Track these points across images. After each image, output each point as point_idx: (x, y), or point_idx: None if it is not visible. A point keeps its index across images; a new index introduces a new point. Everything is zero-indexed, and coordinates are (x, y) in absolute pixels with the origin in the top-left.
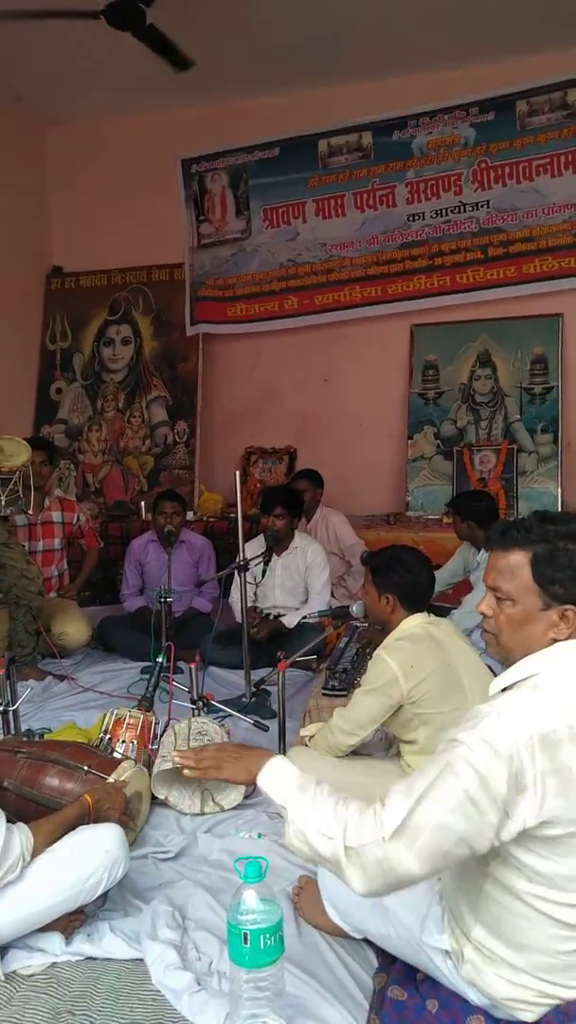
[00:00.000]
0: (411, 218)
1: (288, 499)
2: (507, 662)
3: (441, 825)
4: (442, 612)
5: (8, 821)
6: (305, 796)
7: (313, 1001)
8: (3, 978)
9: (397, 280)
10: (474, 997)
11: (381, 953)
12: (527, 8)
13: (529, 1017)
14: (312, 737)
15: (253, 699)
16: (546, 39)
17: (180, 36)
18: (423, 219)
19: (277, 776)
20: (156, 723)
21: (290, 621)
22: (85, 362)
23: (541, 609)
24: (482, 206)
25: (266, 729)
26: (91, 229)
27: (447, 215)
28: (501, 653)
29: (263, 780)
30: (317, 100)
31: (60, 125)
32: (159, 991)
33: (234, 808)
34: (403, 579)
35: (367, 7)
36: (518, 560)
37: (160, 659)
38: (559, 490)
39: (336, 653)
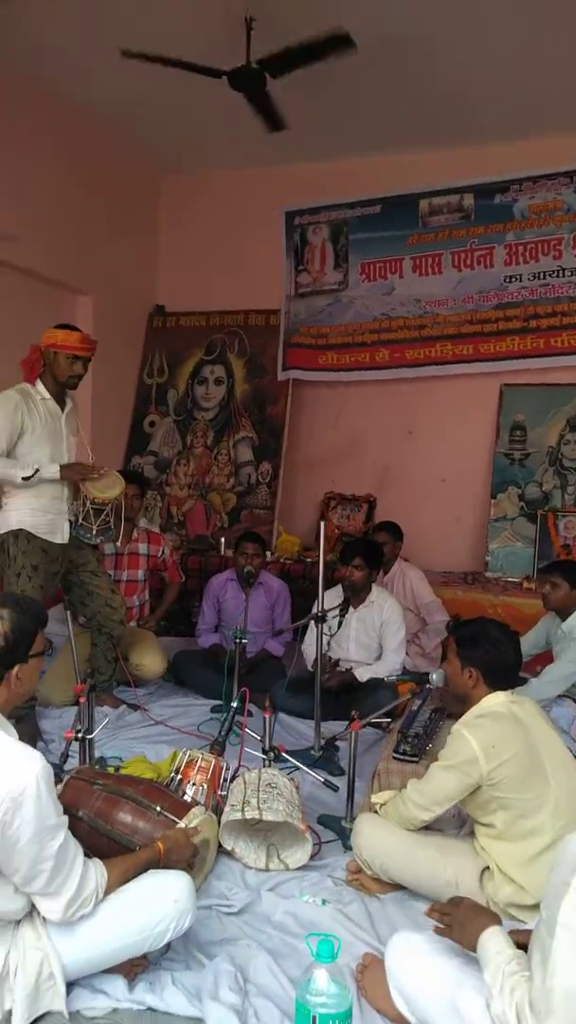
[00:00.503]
0: (508, 279)
1: (368, 551)
2: None
3: None
4: (519, 681)
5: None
6: (499, 973)
7: None
8: (68, 1017)
9: (490, 340)
10: None
11: None
12: None
13: None
14: (383, 805)
15: (322, 753)
16: None
17: (290, 97)
18: (520, 281)
19: (487, 949)
20: (226, 768)
21: (361, 675)
22: (179, 398)
23: None
24: None
25: (336, 789)
26: (194, 272)
27: (545, 278)
28: None
29: (479, 952)
30: (420, 161)
31: (174, 173)
32: None
33: (299, 868)
34: (489, 655)
35: (473, 75)
36: None
37: (234, 703)
38: None
39: (408, 716)
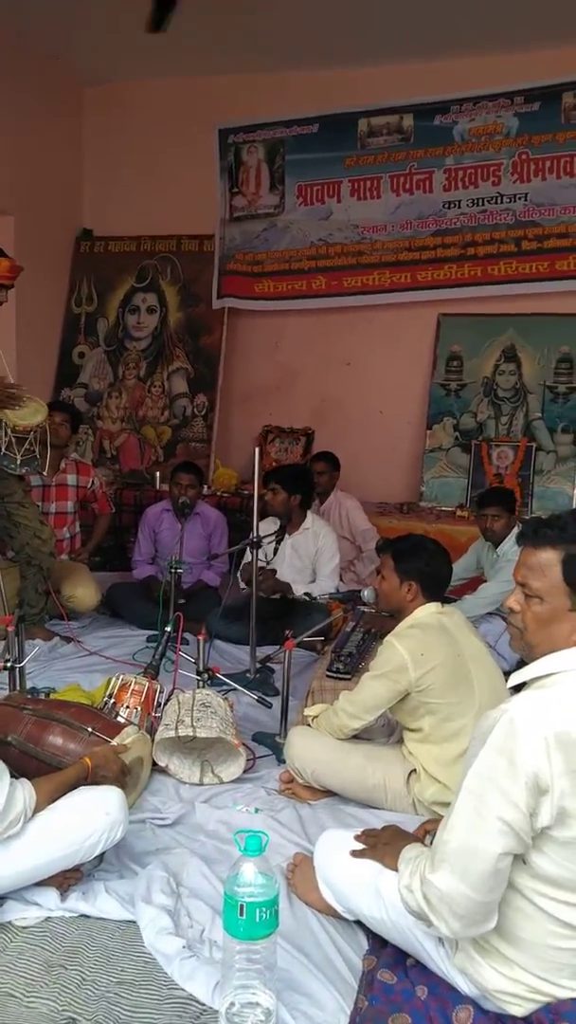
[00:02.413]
0: (447, 205)
1: (287, 476)
2: (529, 658)
3: (477, 849)
4: (448, 599)
5: (11, 776)
6: (411, 863)
7: (302, 976)
8: None
9: (428, 267)
10: (464, 986)
11: (372, 936)
12: None
13: (519, 1012)
14: (315, 717)
15: (257, 675)
16: None
17: (220, 4)
18: (459, 207)
19: (407, 854)
20: (160, 691)
21: (297, 590)
22: (109, 328)
23: (569, 610)
24: (520, 198)
25: (269, 706)
26: (123, 193)
27: (484, 205)
28: (525, 649)
29: (399, 861)
30: (360, 78)
31: (98, 86)
32: (150, 954)
33: (233, 781)
34: (429, 567)
35: None
36: (549, 559)
37: (168, 628)
38: (575, 491)
39: (342, 637)
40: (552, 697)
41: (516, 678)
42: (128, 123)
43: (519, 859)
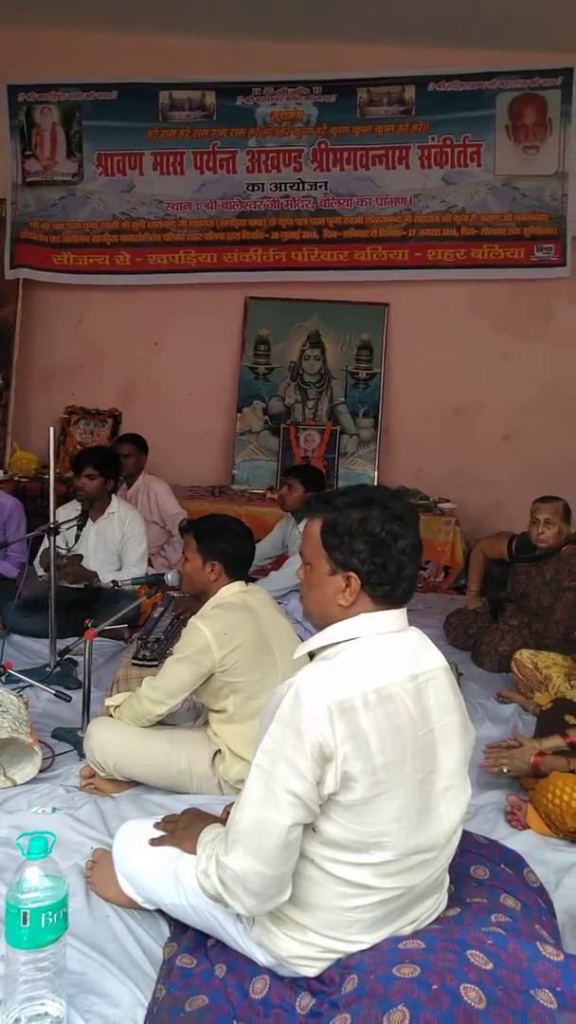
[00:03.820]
0: (251, 187)
1: (103, 459)
2: (314, 624)
3: (268, 824)
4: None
5: None
6: (208, 845)
7: (98, 976)
8: None
9: (233, 249)
10: (261, 958)
11: (173, 923)
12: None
13: (312, 972)
14: (118, 707)
15: (57, 669)
16: (390, 32)
17: None
18: (262, 190)
19: (204, 837)
20: None
21: (104, 578)
22: None
23: (329, 574)
24: (320, 186)
25: (68, 700)
26: None
27: (286, 190)
28: (307, 615)
29: (198, 843)
30: (161, 47)
31: None
32: None
33: (28, 782)
34: (233, 546)
35: None
36: (313, 528)
37: None
38: (376, 472)
39: (150, 623)
40: (334, 667)
41: (301, 649)
42: None
43: (308, 828)
